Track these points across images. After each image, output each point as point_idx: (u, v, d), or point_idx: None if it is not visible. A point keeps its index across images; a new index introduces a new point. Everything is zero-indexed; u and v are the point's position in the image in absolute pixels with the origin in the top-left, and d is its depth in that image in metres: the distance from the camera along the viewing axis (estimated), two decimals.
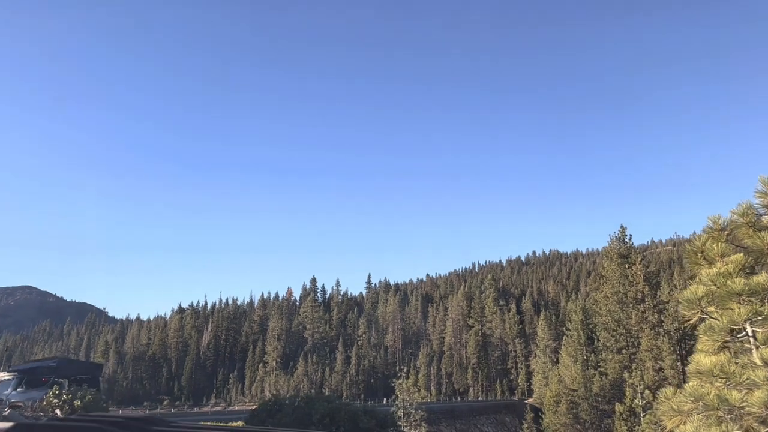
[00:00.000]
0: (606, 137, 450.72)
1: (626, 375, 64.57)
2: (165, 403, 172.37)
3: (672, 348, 66.37)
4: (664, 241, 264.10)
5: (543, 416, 63.63)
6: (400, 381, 30.06)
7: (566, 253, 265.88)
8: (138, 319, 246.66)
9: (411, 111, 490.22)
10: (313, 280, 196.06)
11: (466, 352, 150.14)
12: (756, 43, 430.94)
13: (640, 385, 26.16)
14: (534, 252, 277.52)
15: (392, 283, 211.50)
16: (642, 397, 26.30)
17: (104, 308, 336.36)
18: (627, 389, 25.01)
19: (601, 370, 68.47)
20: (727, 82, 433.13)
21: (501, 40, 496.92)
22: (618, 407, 24.83)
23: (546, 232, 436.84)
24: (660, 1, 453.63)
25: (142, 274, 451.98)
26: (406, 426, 28.43)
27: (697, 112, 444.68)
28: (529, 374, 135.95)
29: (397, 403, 30.25)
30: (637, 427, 26.60)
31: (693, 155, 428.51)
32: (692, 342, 73.37)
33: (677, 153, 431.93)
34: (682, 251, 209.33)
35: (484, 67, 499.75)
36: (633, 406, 23.09)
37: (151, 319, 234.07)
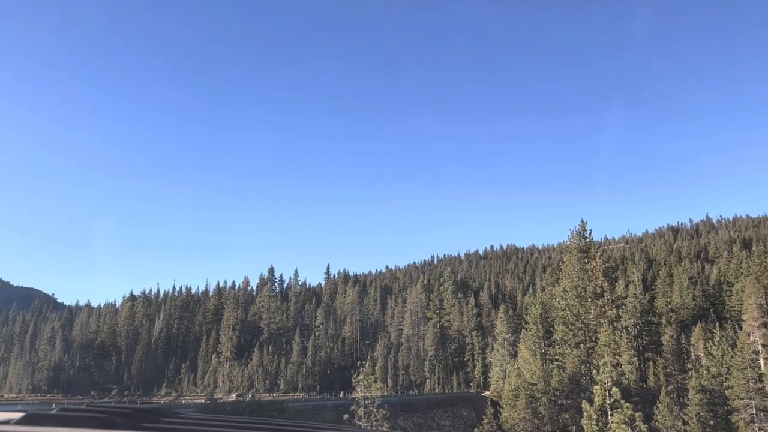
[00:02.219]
0: (560, 136, 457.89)
1: (584, 369, 64.91)
2: (113, 392, 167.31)
3: (629, 343, 66.84)
4: (617, 239, 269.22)
5: (501, 410, 63.22)
6: (360, 377, 28.52)
7: (523, 248, 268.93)
8: (87, 305, 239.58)
9: (368, 102, 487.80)
10: (271, 270, 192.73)
11: (423, 344, 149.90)
12: (719, 36, 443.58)
13: (608, 382, 25.29)
14: (492, 246, 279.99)
15: (351, 274, 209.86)
16: (610, 395, 25.46)
17: (53, 294, 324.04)
18: (596, 388, 24.02)
19: (559, 363, 68.52)
20: (683, 80, 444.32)
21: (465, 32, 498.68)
22: (586, 406, 23.83)
23: (503, 227, 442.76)
24: None
25: (93, 260, 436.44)
26: (367, 425, 26.97)
27: (650, 112, 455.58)
28: (485, 367, 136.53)
29: (357, 400, 28.75)
30: (605, 426, 25.90)
31: (645, 154, 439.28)
32: (649, 338, 74.07)
33: (630, 152, 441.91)
34: (634, 249, 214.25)
35: (441, 56, 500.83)
36: (604, 404, 22.14)
37: (102, 306, 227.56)
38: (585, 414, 23.53)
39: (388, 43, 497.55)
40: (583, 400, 26.07)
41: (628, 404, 23.33)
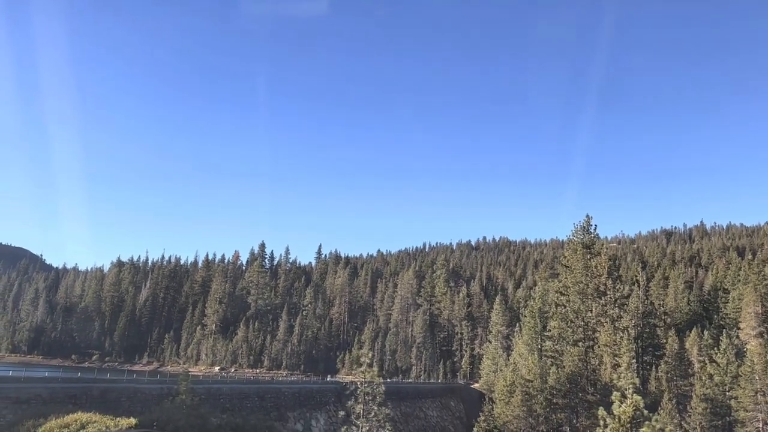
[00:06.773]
0: (557, 134, 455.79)
1: (581, 368, 62.58)
2: (94, 357, 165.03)
3: (629, 345, 64.49)
4: (609, 238, 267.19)
5: (494, 405, 60.99)
6: (362, 368, 25.82)
7: (515, 242, 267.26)
8: (75, 269, 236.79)
9: (369, 92, 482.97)
10: (262, 246, 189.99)
11: (412, 330, 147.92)
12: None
13: (629, 388, 22.73)
14: (484, 237, 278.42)
15: (343, 255, 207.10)
16: (633, 404, 22.95)
17: (41, 255, 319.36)
18: (616, 395, 21.57)
19: (554, 360, 66.19)
20: (688, 89, 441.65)
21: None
22: (602, 414, 21.32)
23: (496, 220, 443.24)
24: None
25: (84, 222, 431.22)
26: (365, 426, 24.44)
27: (650, 116, 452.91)
28: (474, 358, 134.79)
29: (355, 395, 26.03)
30: None
31: (642, 157, 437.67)
32: (649, 340, 71.76)
33: (627, 154, 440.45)
34: (626, 249, 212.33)
35: (443, 52, 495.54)
36: (636, 417, 19.71)
37: (89, 270, 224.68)
38: (605, 428, 21.01)
39: (390, 37, 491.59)
40: (600, 408, 23.57)
41: (656, 416, 20.90)
